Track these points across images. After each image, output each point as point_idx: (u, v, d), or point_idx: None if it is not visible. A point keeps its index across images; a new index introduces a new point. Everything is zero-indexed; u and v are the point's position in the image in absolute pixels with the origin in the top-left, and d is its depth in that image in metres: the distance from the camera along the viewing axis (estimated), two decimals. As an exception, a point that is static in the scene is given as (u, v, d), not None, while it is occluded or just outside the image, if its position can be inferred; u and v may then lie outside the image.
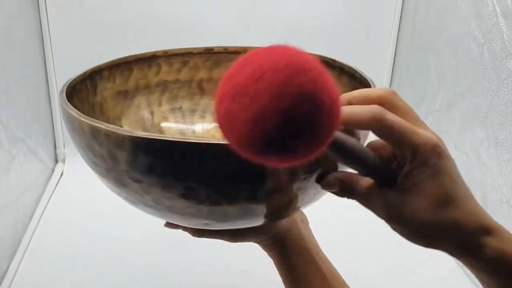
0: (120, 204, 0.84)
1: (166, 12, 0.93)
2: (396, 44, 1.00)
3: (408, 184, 0.32)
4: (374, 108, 0.31)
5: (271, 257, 0.50)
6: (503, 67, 0.64)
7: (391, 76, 1.02)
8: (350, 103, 0.33)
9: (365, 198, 0.34)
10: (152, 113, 0.58)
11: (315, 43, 0.97)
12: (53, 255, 0.72)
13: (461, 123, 0.76)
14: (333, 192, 0.36)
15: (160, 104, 0.59)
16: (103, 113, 0.54)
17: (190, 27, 0.95)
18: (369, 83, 0.45)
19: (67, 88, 0.45)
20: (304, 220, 0.53)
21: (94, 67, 0.53)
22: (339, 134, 0.31)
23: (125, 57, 0.56)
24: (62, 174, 0.96)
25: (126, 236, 0.77)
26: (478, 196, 0.70)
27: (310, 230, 0.52)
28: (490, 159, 0.68)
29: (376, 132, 0.32)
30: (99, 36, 0.93)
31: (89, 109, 0.51)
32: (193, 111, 0.60)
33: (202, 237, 0.48)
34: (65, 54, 0.92)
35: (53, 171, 0.96)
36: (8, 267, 0.67)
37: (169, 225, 0.49)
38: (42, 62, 0.91)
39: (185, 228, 0.49)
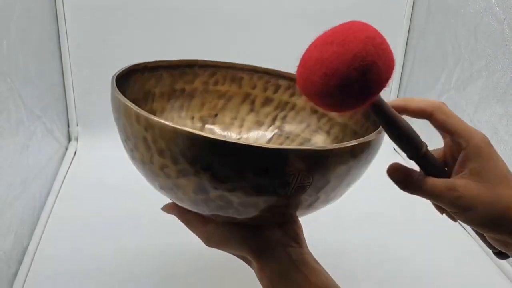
0: (133, 181, 0.85)
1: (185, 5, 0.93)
2: (410, 22, 0.99)
3: (468, 170, 0.37)
4: (435, 101, 0.38)
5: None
6: (524, 43, 0.64)
7: (404, 55, 1.02)
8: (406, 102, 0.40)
9: (433, 193, 0.37)
10: (192, 118, 0.61)
11: (326, 19, 0.97)
12: (71, 231, 0.72)
13: (478, 101, 0.76)
14: (399, 186, 0.38)
15: (200, 111, 0.61)
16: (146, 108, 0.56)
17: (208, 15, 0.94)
18: None
19: (117, 77, 0.47)
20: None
21: (145, 63, 0.55)
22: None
23: (179, 60, 0.59)
24: (75, 152, 0.96)
25: (141, 213, 0.77)
26: (495, 173, 0.71)
27: (303, 254, 0.46)
28: (509, 135, 0.68)
29: (435, 121, 0.38)
30: (113, 20, 0.92)
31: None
32: (233, 119, 0.63)
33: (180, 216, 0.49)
34: (79, 38, 0.92)
35: (66, 149, 0.96)
36: (28, 243, 0.68)
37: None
38: (56, 41, 0.91)
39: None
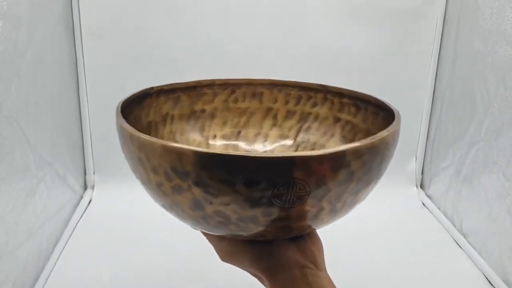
0: (149, 234, 0.82)
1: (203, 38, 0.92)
2: (436, 72, 0.96)
3: None
4: None
5: None
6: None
7: (431, 106, 0.98)
8: None
9: None
10: (214, 137, 0.61)
11: (351, 74, 0.94)
12: (77, 284, 0.69)
13: (511, 152, 0.70)
14: None
15: (222, 129, 0.61)
16: (157, 133, 0.56)
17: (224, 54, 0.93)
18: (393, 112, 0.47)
19: (122, 105, 0.47)
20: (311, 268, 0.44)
21: (153, 88, 0.56)
22: None
23: (185, 83, 0.59)
24: (90, 201, 0.94)
25: (157, 270, 0.73)
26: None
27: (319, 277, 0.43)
28: (545, 190, 0.62)
29: None
30: (132, 61, 0.92)
31: (142, 129, 0.52)
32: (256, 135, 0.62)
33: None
34: (98, 77, 0.92)
35: (81, 197, 0.94)
36: (29, 295, 0.65)
37: None
38: (75, 86, 0.91)
39: None
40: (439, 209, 0.93)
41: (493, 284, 0.71)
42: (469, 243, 0.81)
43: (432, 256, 0.80)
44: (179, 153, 0.35)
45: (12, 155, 0.61)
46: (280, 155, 0.34)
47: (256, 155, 0.34)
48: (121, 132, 0.42)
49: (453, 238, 0.85)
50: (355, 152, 0.36)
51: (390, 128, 0.41)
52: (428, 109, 0.97)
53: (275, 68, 0.92)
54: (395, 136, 0.42)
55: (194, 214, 0.39)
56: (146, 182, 0.40)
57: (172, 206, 0.40)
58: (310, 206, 0.37)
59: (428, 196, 0.99)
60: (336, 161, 0.35)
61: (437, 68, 0.95)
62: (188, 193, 0.37)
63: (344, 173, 0.36)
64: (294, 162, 0.34)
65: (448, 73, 0.91)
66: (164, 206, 0.42)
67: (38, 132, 0.70)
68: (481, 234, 0.78)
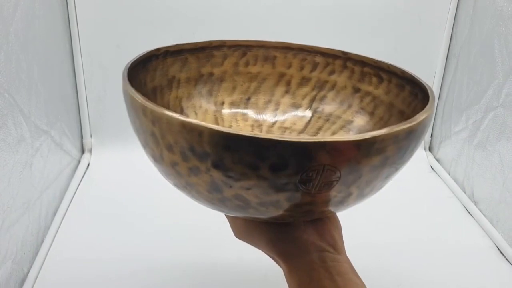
0: (149, 196, 0.80)
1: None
2: (453, 27, 0.90)
3: None
4: None
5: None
6: None
7: (445, 67, 0.93)
8: None
9: None
10: (222, 103, 0.57)
11: (361, 30, 0.89)
12: (77, 254, 0.67)
13: (532, 121, 0.67)
14: None
15: (231, 95, 0.57)
16: (162, 99, 0.52)
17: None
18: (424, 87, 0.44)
19: (135, 64, 0.44)
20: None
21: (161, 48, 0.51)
22: None
23: (204, 42, 0.55)
24: (88, 165, 0.91)
25: (156, 232, 0.72)
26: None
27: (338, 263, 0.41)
28: None
29: None
30: (128, 23, 0.87)
31: (148, 93, 0.48)
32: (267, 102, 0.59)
33: None
34: (92, 40, 0.87)
35: (79, 162, 0.91)
36: (29, 270, 0.63)
37: None
38: (68, 46, 0.86)
39: None
40: (449, 174, 0.91)
41: (505, 255, 0.70)
42: (480, 211, 0.79)
43: (440, 223, 0.78)
44: (200, 131, 0.32)
45: (5, 128, 0.57)
46: (311, 139, 0.32)
47: (286, 139, 0.31)
48: (131, 103, 0.37)
49: (463, 204, 0.83)
50: (394, 136, 0.33)
51: (428, 109, 0.37)
52: (441, 70, 0.93)
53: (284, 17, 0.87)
54: (431, 117, 0.39)
55: (211, 196, 0.36)
56: (159, 160, 0.37)
57: (186, 187, 0.37)
58: (337, 192, 0.35)
59: (437, 160, 0.96)
60: (371, 146, 0.33)
61: (453, 27, 0.90)
62: (206, 175, 0.34)
63: (379, 159, 0.34)
64: (325, 146, 0.31)
65: (465, 33, 0.86)
66: (176, 185, 0.39)
67: (31, 100, 0.66)
68: (494, 203, 0.76)
